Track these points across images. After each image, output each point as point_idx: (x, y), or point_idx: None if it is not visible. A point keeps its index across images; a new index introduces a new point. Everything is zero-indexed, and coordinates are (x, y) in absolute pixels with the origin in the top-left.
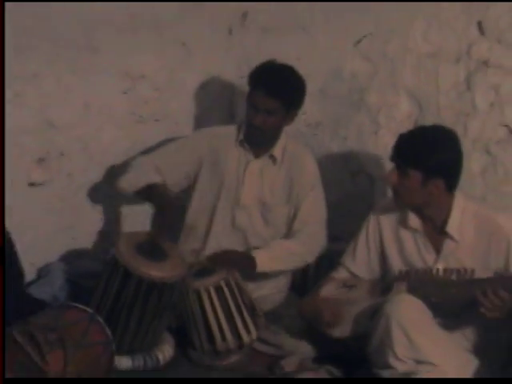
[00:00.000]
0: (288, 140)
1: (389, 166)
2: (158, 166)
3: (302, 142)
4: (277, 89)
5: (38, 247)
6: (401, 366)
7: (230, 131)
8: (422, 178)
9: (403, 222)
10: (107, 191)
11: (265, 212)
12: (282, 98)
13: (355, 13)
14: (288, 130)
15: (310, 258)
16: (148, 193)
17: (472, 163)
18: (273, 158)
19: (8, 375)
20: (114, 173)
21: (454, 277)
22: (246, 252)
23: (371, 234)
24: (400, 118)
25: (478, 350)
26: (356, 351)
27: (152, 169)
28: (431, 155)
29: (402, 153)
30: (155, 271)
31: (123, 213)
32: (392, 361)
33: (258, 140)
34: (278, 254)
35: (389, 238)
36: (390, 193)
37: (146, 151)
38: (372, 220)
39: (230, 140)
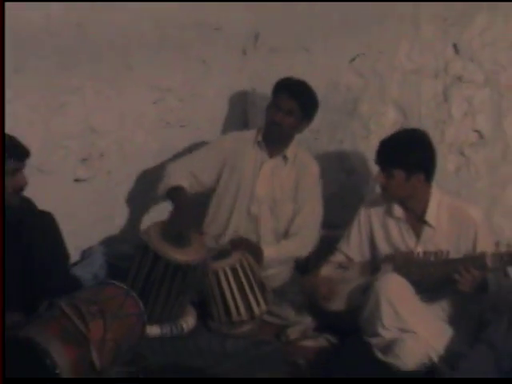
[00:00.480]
0: (298, 147)
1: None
2: (191, 170)
3: (305, 144)
4: (297, 92)
5: (81, 233)
6: (387, 334)
7: (249, 135)
8: (406, 175)
9: (389, 213)
10: (138, 186)
11: (273, 206)
12: (300, 101)
13: (350, 35)
14: (298, 146)
15: (305, 253)
16: (171, 193)
17: (448, 163)
18: (285, 159)
19: (56, 342)
20: (146, 172)
21: (431, 258)
22: (257, 244)
23: (362, 223)
24: (387, 124)
25: (452, 320)
26: (349, 322)
27: (183, 174)
28: (410, 155)
29: (385, 157)
30: (180, 255)
31: (151, 204)
32: (380, 330)
33: (276, 136)
34: (281, 251)
35: (377, 226)
36: (377, 189)
37: (173, 153)
38: (363, 211)
39: (248, 142)
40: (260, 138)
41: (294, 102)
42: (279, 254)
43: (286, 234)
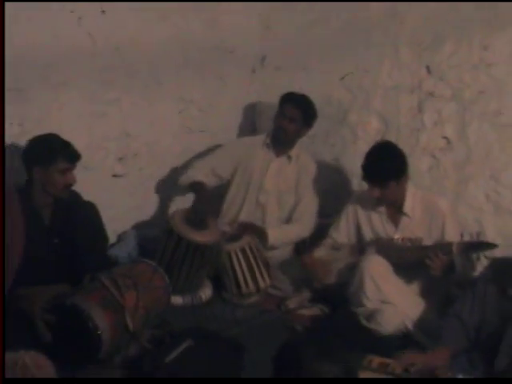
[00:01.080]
0: (300, 149)
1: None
2: (211, 168)
3: (304, 147)
4: (300, 103)
5: (118, 220)
6: (370, 305)
7: (258, 139)
8: (396, 182)
9: (373, 207)
10: (165, 181)
11: (279, 197)
12: (302, 110)
13: (340, 57)
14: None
15: (305, 235)
16: (193, 186)
17: (421, 164)
18: (289, 158)
19: (97, 308)
20: (170, 169)
21: (407, 243)
22: (263, 228)
23: (350, 213)
24: (372, 132)
25: (424, 295)
26: (339, 294)
27: (204, 171)
28: (396, 166)
29: (378, 174)
30: (199, 237)
31: (175, 195)
32: (364, 301)
33: (281, 140)
34: (284, 234)
35: (362, 217)
36: (363, 185)
37: (194, 155)
38: (351, 205)
39: (258, 145)
40: (268, 141)
41: (297, 111)
42: (283, 236)
43: (288, 220)
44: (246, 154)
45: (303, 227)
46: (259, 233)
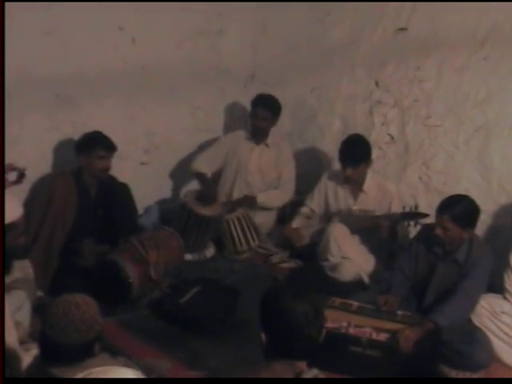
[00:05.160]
0: (275, 136)
1: (326, 152)
2: (208, 159)
3: (278, 135)
4: (269, 105)
5: (144, 197)
6: (333, 259)
7: (242, 133)
8: (365, 165)
9: (339, 184)
10: (179, 168)
11: (262, 175)
12: (271, 110)
13: (311, 74)
14: (275, 132)
15: (286, 201)
16: (198, 176)
17: (372, 154)
18: (267, 145)
19: (128, 263)
20: (184, 158)
21: (363, 214)
22: (253, 196)
23: (322, 187)
24: (335, 130)
25: (374, 252)
26: (310, 252)
27: (204, 163)
28: (368, 151)
29: (354, 158)
30: (206, 211)
31: (187, 179)
32: (329, 256)
33: (258, 135)
34: (269, 197)
35: (330, 192)
36: (332, 167)
37: (199, 147)
38: (323, 181)
39: (242, 137)
40: (248, 136)
41: (267, 111)
42: (268, 198)
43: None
44: (233, 146)
45: (284, 192)
46: (249, 198)
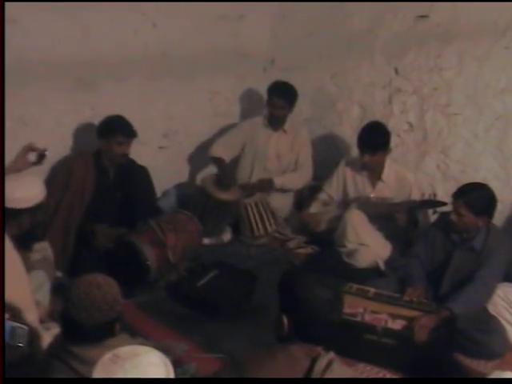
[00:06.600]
0: (292, 121)
1: (344, 139)
2: (226, 144)
3: (296, 121)
4: (285, 93)
5: (163, 181)
6: (350, 246)
7: (259, 120)
8: (383, 153)
9: (358, 171)
10: (197, 152)
11: (279, 160)
12: (287, 97)
13: (331, 61)
14: (292, 118)
15: (304, 183)
16: (215, 161)
17: (390, 142)
18: (285, 131)
19: (147, 245)
20: (202, 143)
21: (381, 201)
22: (270, 178)
23: (340, 174)
24: (353, 117)
25: (390, 239)
26: (327, 238)
27: (222, 148)
28: (387, 139)
29: (372, 145)
30: (224, 195)
31: (205, 164)
32: (346, 243)
33: (276, 122)
34: (287, 180)
35: (349, 179)
36: (350, 154)
37: (219, 132)
38: (341, 167)
39: (260, 124)
40: (266, 122)
41: (283, 100)
42: (285, 181)
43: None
44: (251, 132)
45: (302, 175)
46: (267, 182)
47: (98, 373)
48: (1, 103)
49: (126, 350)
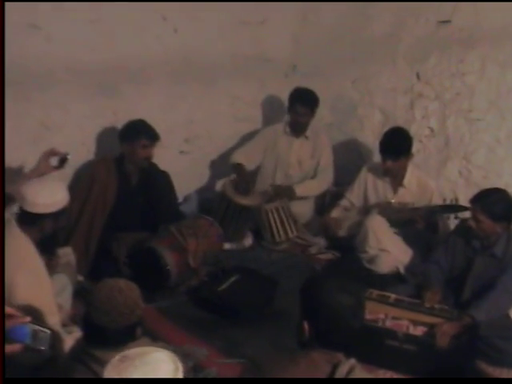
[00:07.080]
0: (312, 128)
1: (366, 144)
2: (247, 152)
3: (317, 127)
4: (307, 101)
5: (184, 185)
6: (371, 251)
7: (281, 127)
8: (405, 158)
9: (380, 177)
10: (218, 157)
11: (301, 165)
12: (310, 105)
13: (351, 66)
14: (313, 123)
15: (324, 189)
16: (236, 167)
17: (413, 148)
18: (306, 137)
19: (167, 250)
20: (223, 148)
21: (402, 206)
22: (290, 186)
23: (361, 180)
24: (374, 122)
25: (411, 245)
26: (348, 243)
27: (244, 156)
28: (409, 145)
29: (395, 150)
30: (244, 201)
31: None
32: (367, 248)
33: (298, 129)
34: (307, 187)
35: (370, 184)
36: (372, 160)
37: (240, 138)
38: (362, 173)
39: (280, 132)
40: (288, 129)
41: (306, 108)
42: (306, 188)
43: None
44: (272, 140)
45: (321, 181)
46: (288, 189)
47: (108, 373)
48: (1, 103)
49: (134, 351)
